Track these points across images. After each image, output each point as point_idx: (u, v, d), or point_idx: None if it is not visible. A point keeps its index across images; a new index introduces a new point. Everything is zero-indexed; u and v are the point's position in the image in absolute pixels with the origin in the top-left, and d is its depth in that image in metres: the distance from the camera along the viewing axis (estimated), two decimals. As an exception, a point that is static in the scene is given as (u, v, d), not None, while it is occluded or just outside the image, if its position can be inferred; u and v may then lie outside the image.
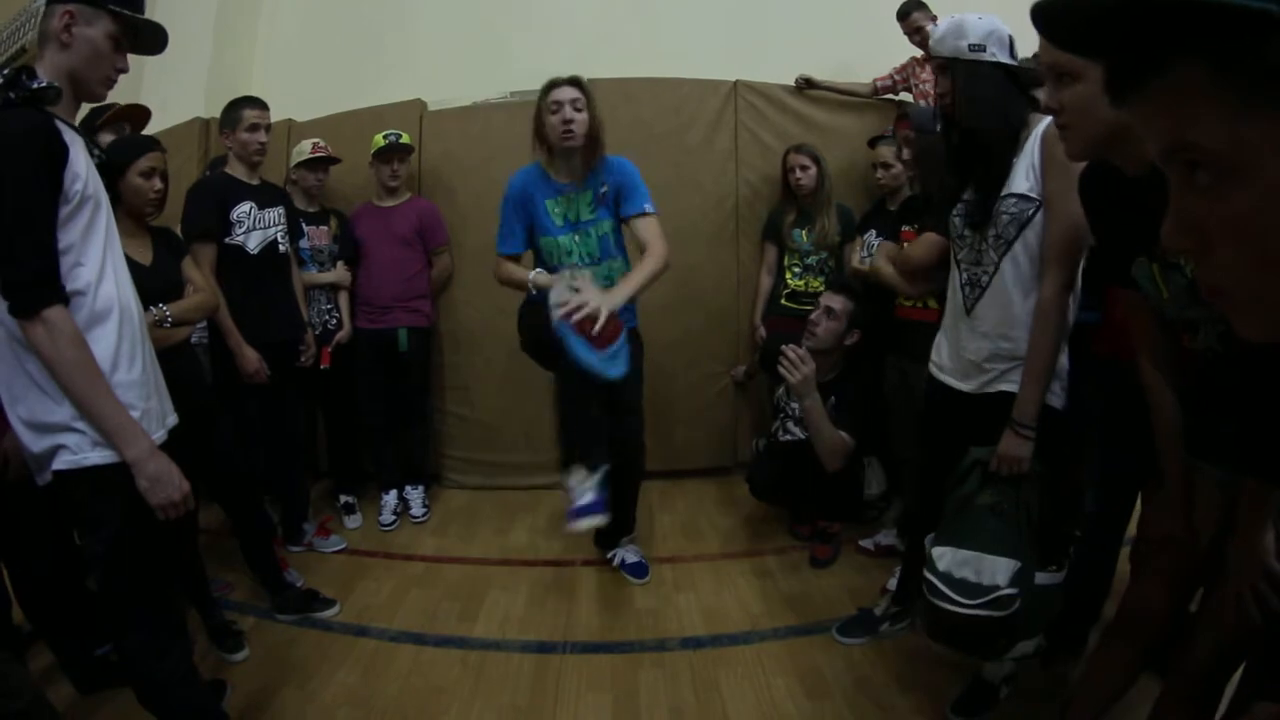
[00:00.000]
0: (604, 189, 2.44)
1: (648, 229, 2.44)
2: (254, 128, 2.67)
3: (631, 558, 2.76)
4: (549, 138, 2.38)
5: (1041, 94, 1.82)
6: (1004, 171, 1.65)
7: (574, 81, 2.38)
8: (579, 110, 2.35)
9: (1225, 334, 1.20)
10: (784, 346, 2.52)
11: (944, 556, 1.64)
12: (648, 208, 2.45)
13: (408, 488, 3.35)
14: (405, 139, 3.23)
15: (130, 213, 2.07)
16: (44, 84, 1.31)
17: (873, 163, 3.01)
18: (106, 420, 1.31)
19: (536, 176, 2.45)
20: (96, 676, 2.01)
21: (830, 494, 2.71)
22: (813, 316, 2.71)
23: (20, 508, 1.84)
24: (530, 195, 2.44)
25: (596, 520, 2.21)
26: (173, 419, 1.57)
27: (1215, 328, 1.21)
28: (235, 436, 2.39)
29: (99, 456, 1.34)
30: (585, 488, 2.22)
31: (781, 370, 2.49)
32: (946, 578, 1.61)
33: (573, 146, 2.36)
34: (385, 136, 3.19)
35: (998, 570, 1.57)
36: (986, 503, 1.66)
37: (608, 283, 2.38)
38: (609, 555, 2.79)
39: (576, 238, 2.44)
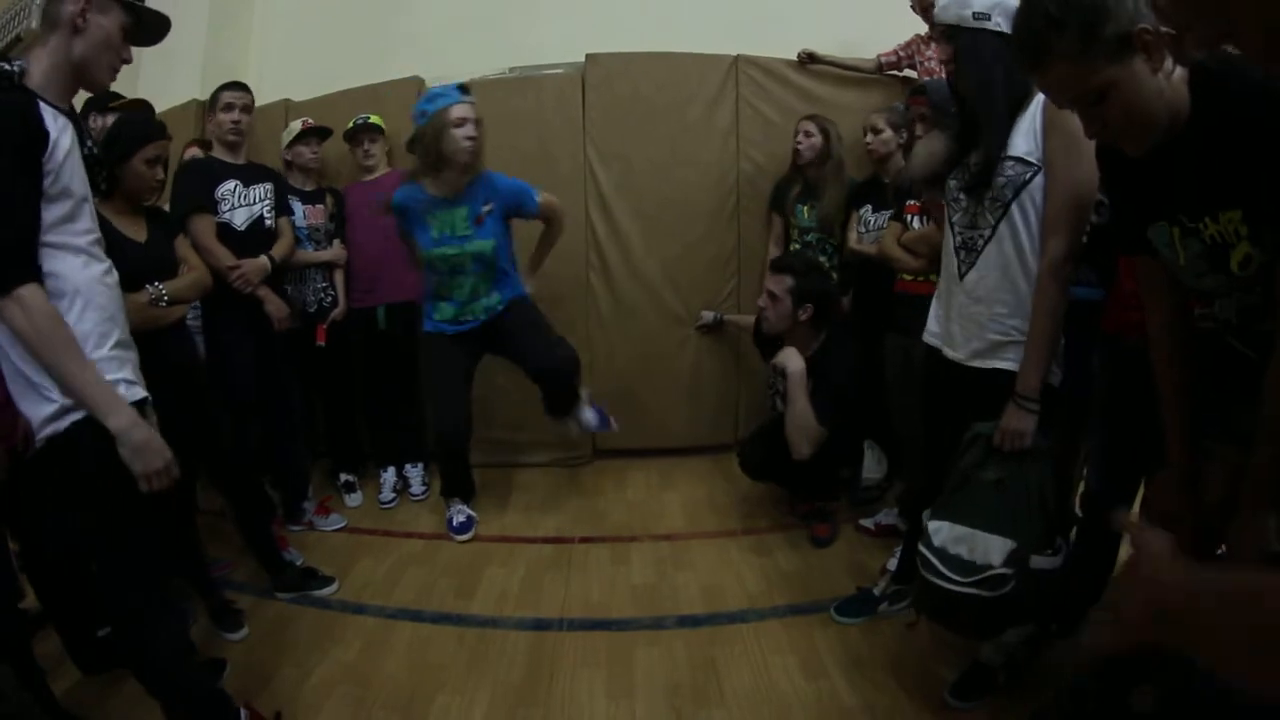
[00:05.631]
0: (487, 208, 2.56)
1: (549, 207, 2.79)
2: (228, 108, 2.71)
3: (591, 417, 3.02)
4: (449, 153, 2.49)
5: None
6: (1003, 138, 1.61)
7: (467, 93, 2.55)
8: (478, 125, 2.52)
9: (1243, 308, 1.17)
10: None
11: (940, 531, 1.62)
12: (538, 196, 2.74)
13: (407, 466, 3.35)
14: (374, 119, 3.25)
15: (128, 195, 2.05)
16: (2, 67, 1.29)
17: (864, 127, 2.96)
18: (86, 391, 1.31)
19: (416, 192, 2.61)
20: (100, 657, 2.03)
21: (815, 470, 2.69)
22: (760, 303, 2.73)
23: (32, 485, 1.84)
24: (411, 208, 2.63)
25: (473, 530, 2.88)
26: (140, 393, 1.53)
27: (1232, 300, 1.18)
28: (230, 413, 2.39)
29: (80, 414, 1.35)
30: (459, 509, 2.94)
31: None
32: (941, 553, 1.60)
33: (474, 163, 2.54)
34: (354, 121, 3.23)
35: (991, 549, 1.55)
36: (990, 479, 1.63)
37: (477, 285, 2.67)
38: (566, 421, 3.02)
39: (450, 251, 2.61)
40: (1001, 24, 1.60)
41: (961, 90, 1.71)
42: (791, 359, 2.58)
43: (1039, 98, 1.58)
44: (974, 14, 1.61)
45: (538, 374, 2.82)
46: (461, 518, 2.92)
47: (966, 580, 1.55)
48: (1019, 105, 1.61)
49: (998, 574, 1.53)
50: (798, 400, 2.54)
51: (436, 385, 2.81)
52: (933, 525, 1.65)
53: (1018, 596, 1.54)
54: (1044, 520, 1.59)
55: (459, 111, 2.49)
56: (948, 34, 1.69)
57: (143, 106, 2.42)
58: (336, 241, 3.14)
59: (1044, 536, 1.59)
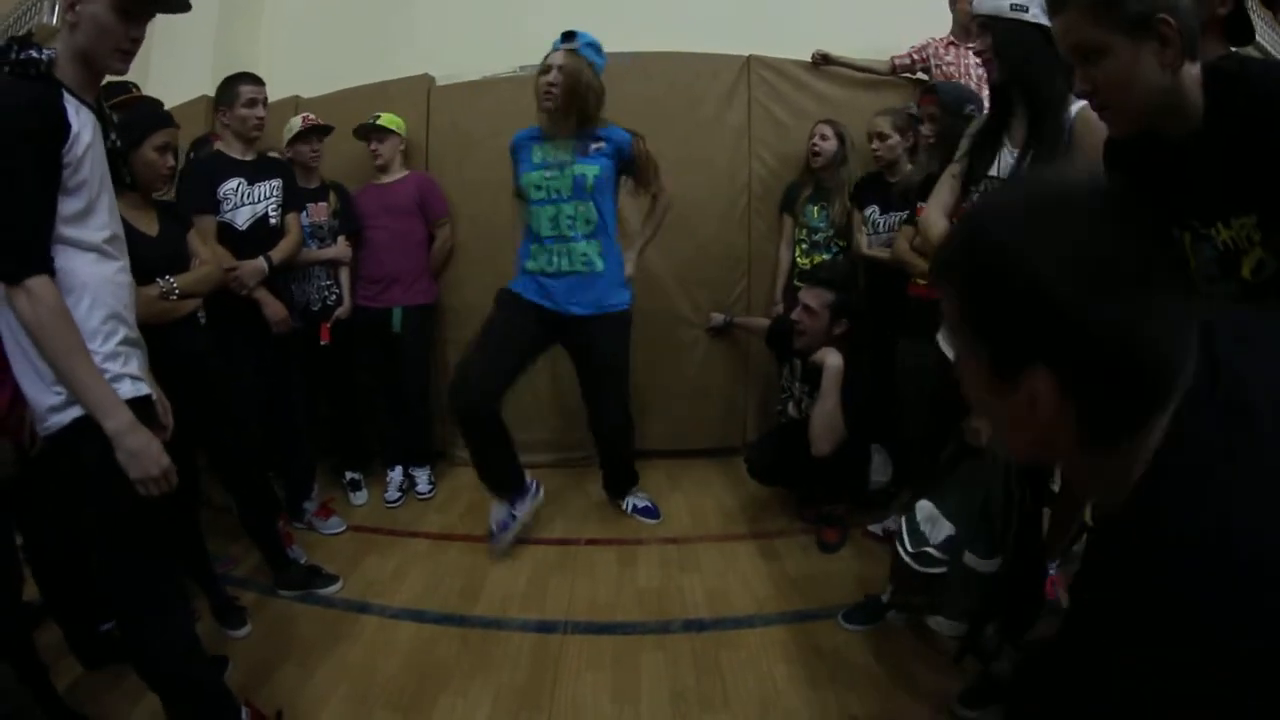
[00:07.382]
0: (597, 145, 2.58)
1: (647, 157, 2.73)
2: (251, 103, 2.61)
3: (641, 503, 3.04)
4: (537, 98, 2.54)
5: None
6: (1057, 130, 1.60)
7: (568, 41, 2.55)
8: (561, 73, 2.50)
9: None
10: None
11: (922, 509, 1.75)
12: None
13: (414, 466, 3.34)
14: (382, 120, 3.23)
15: (139, 186, 2.04)
16: (30, 55, 1.29)
17: (868, 133, 2.93)
18: (86, 391, 1.31)
19: (532, 130, 2.65)
20: (102, 652, 2.03)
21: (831, 472, 2.65)
22: (794, 316, 2.69)
23: (38, 480, 1.84)
24: (521, 143, 2.67)
25: (512, 532, 2.70)
26: (145, 389, 1.50)
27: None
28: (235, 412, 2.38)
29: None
30: (500, 513, 2.73)
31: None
32: (912, 527, 1.75)
33: (551, 109, 2.51)
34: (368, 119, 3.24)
35: (941, 530, 1.70)
36: (964, 471, 1.75)
37: (570, 223, 2.56)
38: (621, 504, 3.06)
39: (548, 174, 2.56)
40: (1039, 16, 1.58)
41: (999, 80, 1.70)
42: (831, 355, 2.58)
43: (1073, 112, 1.58)
44: (1011, 4, 1.61)
45: (593, 429, 2.94)
46: (500, 515, 2.72)
47: (909, 551, 1.73)
48: (1064, 97, 1.59)
49: (927, 552, 1.70)
50: (830, 397, 2.53)
51: (482, 339, 2.62)
52: (920, 503, 1.77)
53: (947, 584, 1.69)
54: (983, 524, 1.67)
55: (547, 60, 2.54)
56: (985, 25, 1.68)
57: (139, 104, 2.37)
58: (341, 239, 3.11)
59: (982, 540, 1.67)
